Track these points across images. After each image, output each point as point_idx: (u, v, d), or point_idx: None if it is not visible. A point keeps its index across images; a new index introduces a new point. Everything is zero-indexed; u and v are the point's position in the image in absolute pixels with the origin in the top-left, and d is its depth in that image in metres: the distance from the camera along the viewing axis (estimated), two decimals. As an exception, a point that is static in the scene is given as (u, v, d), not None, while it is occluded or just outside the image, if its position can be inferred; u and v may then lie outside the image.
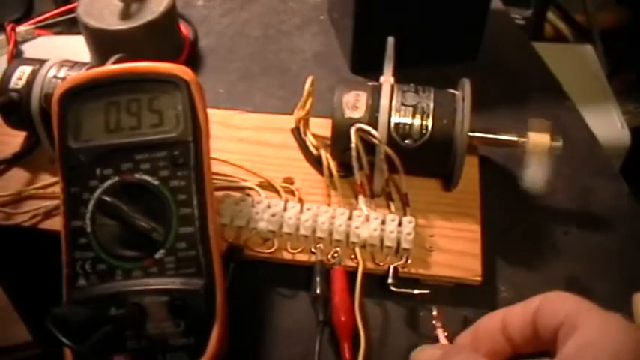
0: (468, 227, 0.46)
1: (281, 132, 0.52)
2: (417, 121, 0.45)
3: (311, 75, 0.50)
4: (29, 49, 0.64)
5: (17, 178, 0.50)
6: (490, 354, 0.31)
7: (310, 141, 0.50)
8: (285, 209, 0.45)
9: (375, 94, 0.46)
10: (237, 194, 0.47)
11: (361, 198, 0.46)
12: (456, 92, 0.47)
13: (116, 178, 0.38)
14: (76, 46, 0.61)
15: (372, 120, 0.45)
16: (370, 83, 0.47)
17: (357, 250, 0.44)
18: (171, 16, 0.60)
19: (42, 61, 0.49)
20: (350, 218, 0.44)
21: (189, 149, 0.38)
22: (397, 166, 0.45)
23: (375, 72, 0.48)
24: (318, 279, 0.42)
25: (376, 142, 0.44)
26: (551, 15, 1.37)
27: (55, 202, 0.46)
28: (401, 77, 0.47)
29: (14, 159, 0.51)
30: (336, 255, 0.44)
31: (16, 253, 0.47)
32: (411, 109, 0.45)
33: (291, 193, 0.48)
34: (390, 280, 0.43)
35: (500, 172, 0.52)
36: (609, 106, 0.99)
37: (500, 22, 0.67)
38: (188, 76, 0.39)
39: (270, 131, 0.53)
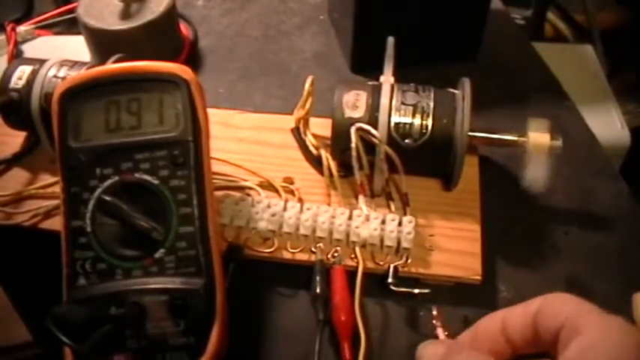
0: (468, 227, 0.46)
1: (281, 132, 0.52)
2: (417, 121, 0.45)
3: (311, 75, 0.50)
4: (29, 49, 0.64)
5: (17, 178, 0.50)
6: (490, 355, 0.31)
7: (310, 141, 0.50)
8: (285, 209, 0.45)
9: (375, 93, 0.46)
10: (237, 194, 0.47)
11: (361, 198, 0.46)
12: (456, 92, 0.47)
13: (116, 178, 0.38)
14: (76, 46, 0.61)
15: (372, 119, 0.45)
16: (370, 83, 0.47)
17: (357, 249, 0.44)
18: (171, 16, 0.60)
19: (42, 61, 0.49)
20: (350, 218, 0.44)
21: (189, 149, 0.38)
22: (397, 166, 0.45)
23: (375, 72, 0.48)
24: (318, 278, 0.42)
25: (376, 141, 0.44)
26: (551, 15, 1.37)
27: (55, 202, 0.46)
28: (401, 77, 0.47)
29: (14, 159, 0.51)
30: (336, 254, 0.44)
31: (16, 253, 0.47)
32: (411, 108, 0.45)
33: (291, 192, 0.48)
34: (390, 280, 0.43)
35: (500, 172, 0.52)
36: (609, 106, 0.99)
37: (500, 22, 0.67)
38: (188, 75, 0.39)
39: (270, 131, 0.53)
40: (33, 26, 0.65)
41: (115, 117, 0.39)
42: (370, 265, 0.44)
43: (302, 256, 0.44)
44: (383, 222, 0.44)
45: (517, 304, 0.31)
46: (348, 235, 0.44)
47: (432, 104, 0.45)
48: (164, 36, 0.60)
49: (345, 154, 0.46)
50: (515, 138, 0.46)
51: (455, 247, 0.45)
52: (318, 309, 0.41)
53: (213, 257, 0.37)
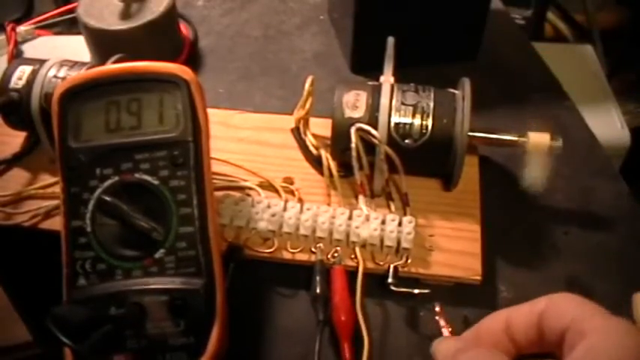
0: (468, 227, 0.46)
1: (281, 132, 0.52)
2: (417, 121, 0.45)
3: (311, 75, 0.50)
4: (29, 49, 0.64)
5: (17, 178, 0.50)
6: None
7: (310, 141, 0.50)
8: (285, 209, 0.45)
9: (375, 93, 0.46)
10: (237, 194, 0.47)
11: (361, 198, 0.46)
12: (456, 92, 0.47)
13: (116, 178, 0.38)
14: (76, 46, 0.61)
15: (372, 120, 0.45)
16: (370, 83, 0.47)
17: (357, 249, 0.44)
18: (171, 16, 0.60)
19: (42, 61, 0.49)
20: (350, 218, 0.44)
21: (189, 149, 0.38)
22: (397, 166, 0.45)
23: (375, 72, 0.48)
24: (318, 279, 0.42)
25: (376, 141, 0.44)
26: (551, 15, 1.37)
27: (55, 202, 0.46)
28: (401, 77, 0.47)
29: (14, 159, 0.51)
30: (336, 255, 0.44)
31: (16, 253, 0.47)
32: (411, 108, 0.45)
33: (291, 192, 0.48)
34: (390, 280, 0.43)
35: (500, 172, 0.52)
36: (609, 106, 0.99)
37: (500, 22, 0.67)
38: (188, 75, 0.39)
39: (270, 131, 0.53)
40: (33, 26, 0.65)
41: (115, 117, 0.39)
42: (370, 265, 0.44)
43: (302, 256, 0.44)
44: (383, 222, 0.44)
45: (517, 304, 0.31)
46: (348, 235, 0.44)
47: (432, 104, 0.45)
48: (164, 36, 0.60)
49: (345, 154, 0.46)
50: (515, 138, 0.46)
51: (455, 247, 0.45)
52: (318, 309, 0.41)
53: (213, 257, 0.37)
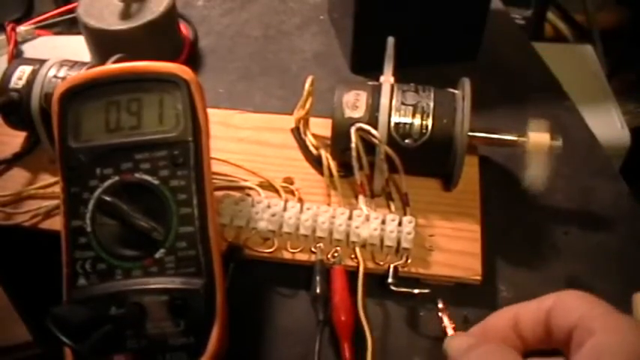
0: (468, 227, 0.46)
1: (281, 132, 0.52)
2: (417, 121, 0.45)
3: (311, 75, 0.50)
4: (29, 49, 0.64)
5: (17, 178, 0.50)
6: None
7: (310, 141, 0.50)
8: (285, 209, 0.45)
9: (375, 93, 0.46)
10: (237, 194, 0.47)
11: (361, 198, 0.46)
12: (456, 92, 0.47)
13: (116, 178, 0.38)
14: (76, 46, 0.61)
15: (372, 119, 0.45)
16: (370, 83, 0.47)
17: (357, 249, 0.44)
18: (171, 16, 0.60)
19: (42, 61, 0.49)
20: (350, 218, 0.44)
21: (189, 149, 0.38)
22: (397, 166, 0.45)
23: (375, 72, 0.48)
24: (318, 278, 0.42)
25: (376, 141, 0.44)
26: (551, 15, 1.37)
27: (55, 202, 0.46)
28: (401, 77, 0.47)
29: (14, 159, 0.51)
30: (336, 255, 0.44)
31: (16, 253, 0.47)
32: (411, 108, 0.45)
33: (291, 192, 0.48)
34: (390, 280, 0.43)
35: (500, 172, 0.52)
36: (609, 106, 0.99)
37: (500, 22, 0.67)
38: (188, 75, 0.39)
39: (270, 131, 0.53)
40: (33, 26, 0.65)
41: (115, 117, 0.39)
42: (370, 265, 0.44)
43: (302, 256, 0.44)
44: (383, 222, 0.44)
45: (516, 304, 0.31)
46: (348, 235, 0.44)
47: (432, 104, 0.45)
48: (164, 36, 0.60)
49: (345, 154, 0.46)
50: (515, 138, 0.46)
51: (455, 247, 0.45)
52: (318, 309, 0.41)
53: (213, 257, 0.37)
